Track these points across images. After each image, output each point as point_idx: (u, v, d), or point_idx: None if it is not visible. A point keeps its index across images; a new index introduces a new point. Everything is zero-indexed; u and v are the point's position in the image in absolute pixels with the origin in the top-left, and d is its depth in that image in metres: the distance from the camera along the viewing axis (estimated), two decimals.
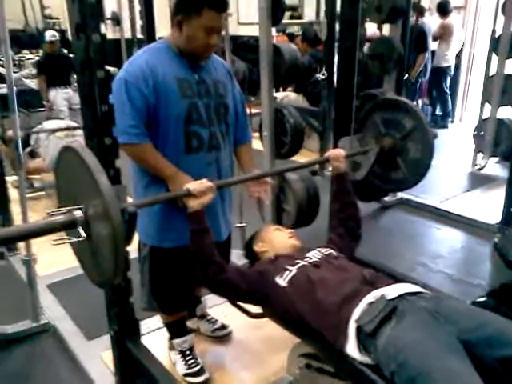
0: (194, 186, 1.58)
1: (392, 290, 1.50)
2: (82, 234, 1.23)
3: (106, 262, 1.25)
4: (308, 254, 1.78)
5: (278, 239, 1.93)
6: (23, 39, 8.55)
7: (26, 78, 6.46)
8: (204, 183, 1.59)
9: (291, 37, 7.33)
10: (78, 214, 1.23)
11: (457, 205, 4.09)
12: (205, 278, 1.69)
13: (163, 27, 4.84)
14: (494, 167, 4.94)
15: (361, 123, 2.26)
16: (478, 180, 4.76)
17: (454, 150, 5.72)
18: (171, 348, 2.17)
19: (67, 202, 1.30)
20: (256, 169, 2.02)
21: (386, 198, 4.07)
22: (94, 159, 1.21)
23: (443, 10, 6.08)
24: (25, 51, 8.16)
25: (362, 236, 1.97)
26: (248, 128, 2.10)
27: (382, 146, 2.13)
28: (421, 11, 5.78)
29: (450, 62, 6.37)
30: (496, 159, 4.99)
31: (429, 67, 6.16)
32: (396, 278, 1.72)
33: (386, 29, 3.62)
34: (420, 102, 6.65)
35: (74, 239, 1.25)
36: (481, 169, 4.84)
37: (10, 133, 2.99)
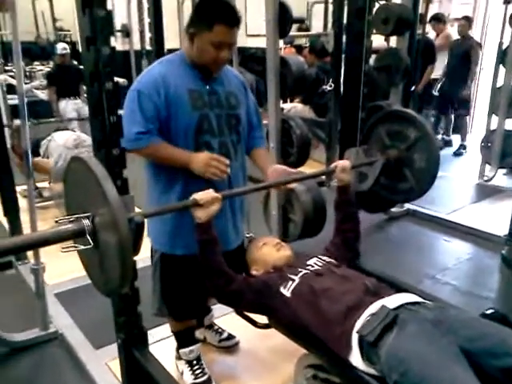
0: (200, 196, 1.59)
1: (394, 300, 1.51)
2: (90, 242, 1.24)
3: (112, 271, 1.25)
4: (309, 262, 1.78)
5: (268, 256, 1.92)
6: (35, 51, 8.69)
7: (36, 89, 6.54)
8: (210, 193, 1.60)
9: (299, 49, 7.38)
10: (86, 222, 1.25)
11: (464, 216, 4.08)
12: (213, 289, 1.71)
13: (172, 39, 4.92)
14: (501, 178, 4.93)
15: (366, 135, 2.27)
16: (486, 191, 4.74)
17: (462, 161, 5.71)
18: (178, 358, 2.17)
19: (75, 211, 1.31)
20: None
21: (393, 209, 4.06)
22: (102, 169, 1.22)
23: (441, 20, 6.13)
24: (36, 63, 8.28)
25: (359, 250, 1.98)
26: (263, 137, 2.11)
27: (387, 157, 2.14)
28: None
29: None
30: (504, 170, 4.98)
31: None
32: (402, 289, 1.72)
33: (393, 40, 3.64)
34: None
35: (82, 247, 1.26)
36: (488, 180, 4.82)
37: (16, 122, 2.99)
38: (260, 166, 2.01)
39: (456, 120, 6.20)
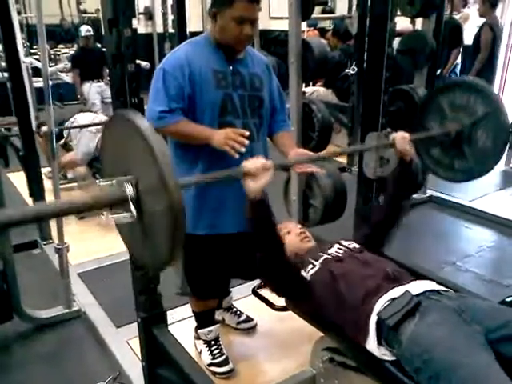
0: (250, 164, 1.43)
1: (416, 287, 1.49)
2: (133, 211, 1.04)
3: (160, 243, 1.07)
4: (330, 250, 1.77)
5: (291, 246, 1.86)
6: (59, 34, 8.77)
7: (61, 71, 6.62)
8: (260, 160, 1.45)
9: (322, 31, 7.28)
10: (129, 187, 1.04)
11: (488, 203, 4.01)
12: (267, 258, 1.64)
13: (195, 22, 4.90)
14: None
15: (425, 105, 2.11)
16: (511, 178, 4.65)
17: None
18: (197, 337, 2.21)
19: (114, 174, 1.10)
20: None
21: (415, 196, 4.01)
22: (148, 125, 1.01)
23: None
24: (60, 45, 8.35)
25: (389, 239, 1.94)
26: (287, 120, 2.10)
27: (448, 131, 1.96)
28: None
29: None
30: None
31: None
32: (422, 276, 1.71)
33: (419, 22, 3.56)
34: None
35: (123, 217, 1.06)
36: None
37: (44, 129, 3.02)
38: (282, 149, 2.00)
39: None
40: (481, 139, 1.90)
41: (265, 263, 1.66)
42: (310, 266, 1.69)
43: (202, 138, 1.76)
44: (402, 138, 1.76)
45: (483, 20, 5.29)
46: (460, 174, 2.05)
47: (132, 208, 1.04)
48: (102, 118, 4.09)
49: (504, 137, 1.89)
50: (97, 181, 1.08)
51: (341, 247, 1.79)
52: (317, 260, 1.70)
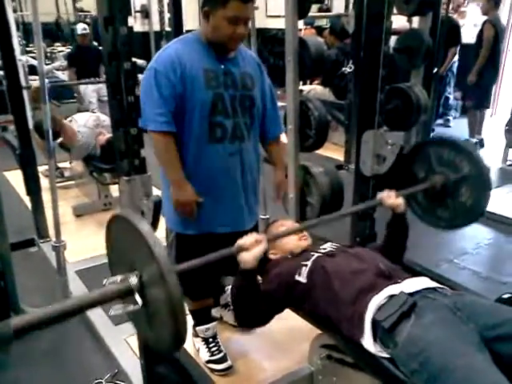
0: (244, 240, 1.54)
1: (411, 285, 1.49)
2: (139, 301, 1.19)
3: (164, 332, 1.19)
4: (323, 246, 1.79)
5: (288, 243, 1.90)
6: (55, 32, 8.75)
7: (57, 70, 6.61)
8: (253, 235, 1.56)
9: (319, 30, 7.28)
10: (134, 280, 1.19)
11: None
12: (250, 321, 1.77)
13: (191, 20, 4.90)
14: None
15: (414, 153, 2.27)
16: (509, 176, 4.66)
17: (485, 144, 5.60)
18: (195, 335, 2.22)
19: (120, 270, 1.27)
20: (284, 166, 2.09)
21: None
22: (147, 225, 1.18)
23: None
24: (57, 44, 8.34)
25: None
26: (278, 122, 2.11)
27: (433, 183, 2.11)
28: None
29: None
30: None
31: None
32: (418, 273, 1.71)
33: (416, 21, 3.56)
34: (451, 96, 6.52)
35: (131, 307, 1.20)
36: None
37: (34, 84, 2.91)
38: (273, 161, 2.09)
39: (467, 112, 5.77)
40: (464, 195, 2.09)
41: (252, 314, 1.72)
42: (303, 268, 1.69)
43: (168, 175, 1.83)
44: (387, 196, 1.87)
45: (481, 18, 5.32)
46: (443, 222, 2.20)
47: (137, 298, 1.18)
48: (100, 115, 4.08)
49: (485, 196, 2.11)
50: (104, 280, 1.23)
51: (334, 244, 1.81)
52: (308, 260, 1.71)
